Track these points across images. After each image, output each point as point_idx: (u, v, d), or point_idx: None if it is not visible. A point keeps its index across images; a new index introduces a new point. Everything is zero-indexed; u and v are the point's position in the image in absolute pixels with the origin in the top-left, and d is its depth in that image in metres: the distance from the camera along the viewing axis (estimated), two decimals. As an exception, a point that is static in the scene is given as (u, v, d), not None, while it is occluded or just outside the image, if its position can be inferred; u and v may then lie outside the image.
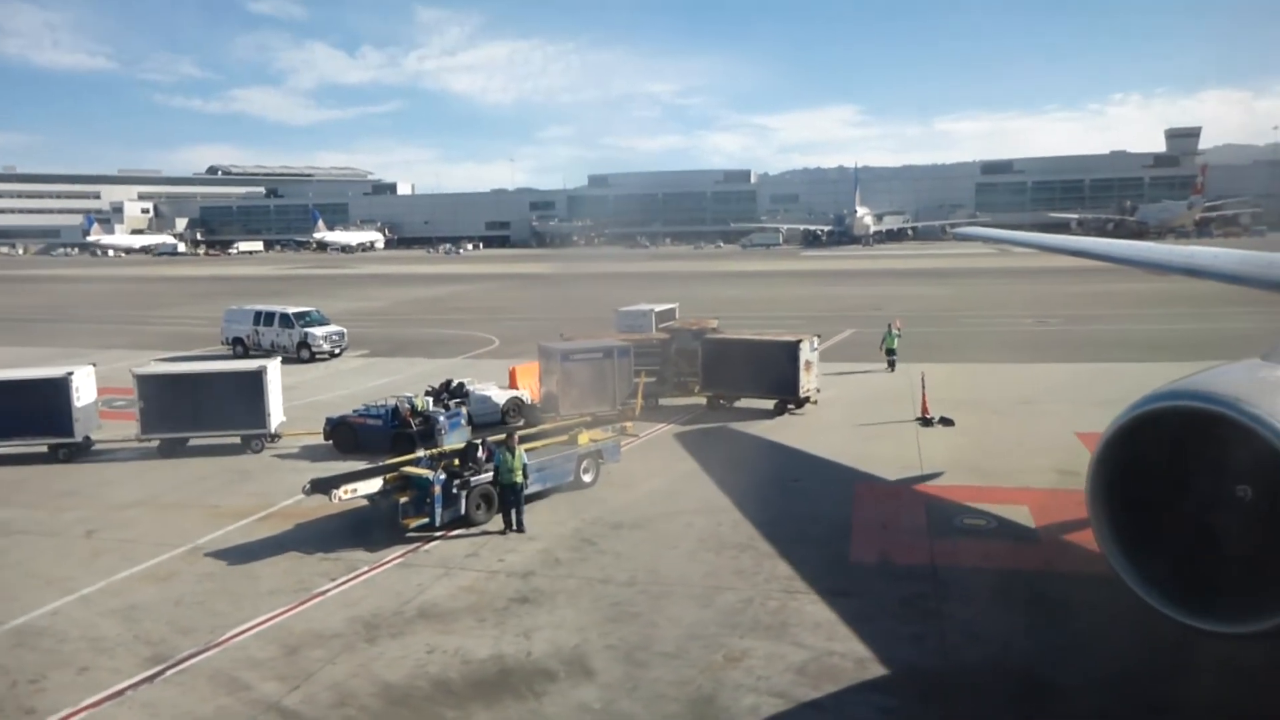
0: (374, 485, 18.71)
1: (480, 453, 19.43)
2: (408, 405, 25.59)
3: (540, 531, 18.75)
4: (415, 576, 16.63)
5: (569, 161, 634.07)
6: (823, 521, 19.08)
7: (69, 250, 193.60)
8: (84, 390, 25.77)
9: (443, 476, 18.55)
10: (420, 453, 20.40)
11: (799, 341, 28.71)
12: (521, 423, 27.23)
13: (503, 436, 19.78)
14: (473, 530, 18.88)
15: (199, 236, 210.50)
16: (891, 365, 35.63)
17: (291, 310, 44.68)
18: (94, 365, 27.25)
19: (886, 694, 12.23)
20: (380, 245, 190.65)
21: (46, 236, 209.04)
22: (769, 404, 29.39)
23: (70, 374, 25.46)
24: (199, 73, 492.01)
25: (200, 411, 25.67)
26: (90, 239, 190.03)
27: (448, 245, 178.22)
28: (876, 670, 12.80)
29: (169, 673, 13.20)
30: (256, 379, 25.74)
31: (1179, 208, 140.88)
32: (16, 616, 15.25)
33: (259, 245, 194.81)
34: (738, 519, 19.33)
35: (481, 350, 45.75)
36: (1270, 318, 21.54)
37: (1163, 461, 11.14)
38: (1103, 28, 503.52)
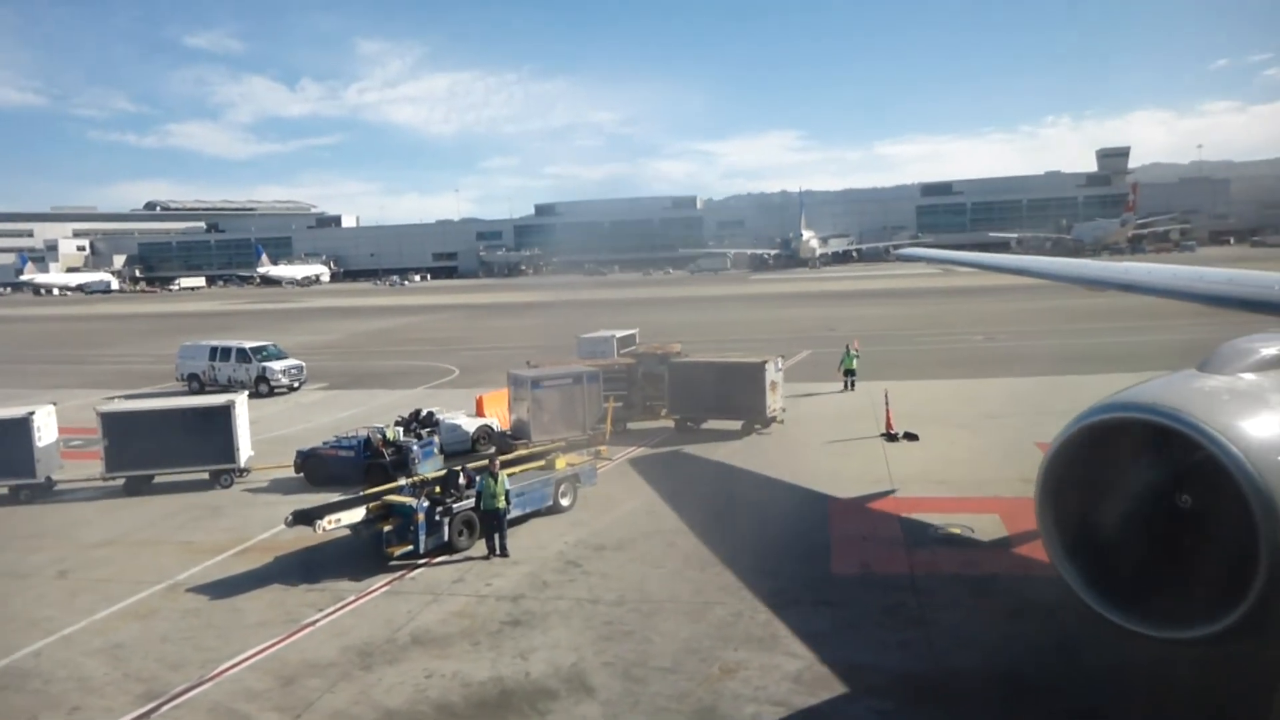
0: (357, 515, 18.71)
1: (461, 479, 19.52)
2: (379, 436, 25.55)
3: (524, 556, 18.87)
4: (404, 604, 16.65)
5: (513, 191, 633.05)
6: (801, 537, 19.48)
7: (9, 289, 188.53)
8: (45, 430, 25.36)
9: (426, 504, 18.61)
10: (402, 481, 20.39)
11: (764, 363, 29.22)
12: (493, 450, 27.38)
13: (483, 463, 19.88)
14: (456, 557, 18.94)
15: (137, 273, 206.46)
16: (851, 385, 36.22)
17: (249, 345, 44.21)
18: (54, 404, 26.74)
19: (882, 698, 12.59)
20: (326, 279, 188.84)
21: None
22: (736, 425, 29.82)
23: (31, 414, 25.03)
24: (134, 107, 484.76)
25: (167, 448, 25.35)
26: (24, 278, 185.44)
27: (394, 277, 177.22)
28: (869, 676, 13.16)
29: (165, 708, 13.11)
30: (225, 413, 25.53)
31: (1113, 225, 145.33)
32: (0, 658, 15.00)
33: (201, 281, 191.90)
34: (718, 537, 19.63)
35: (441, 380, 45.63)
36: (1203, 329, 22.40)
37: (1107, 471, 11.34)
38: (1034, 52, 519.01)
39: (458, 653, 14.51)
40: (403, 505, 18.71)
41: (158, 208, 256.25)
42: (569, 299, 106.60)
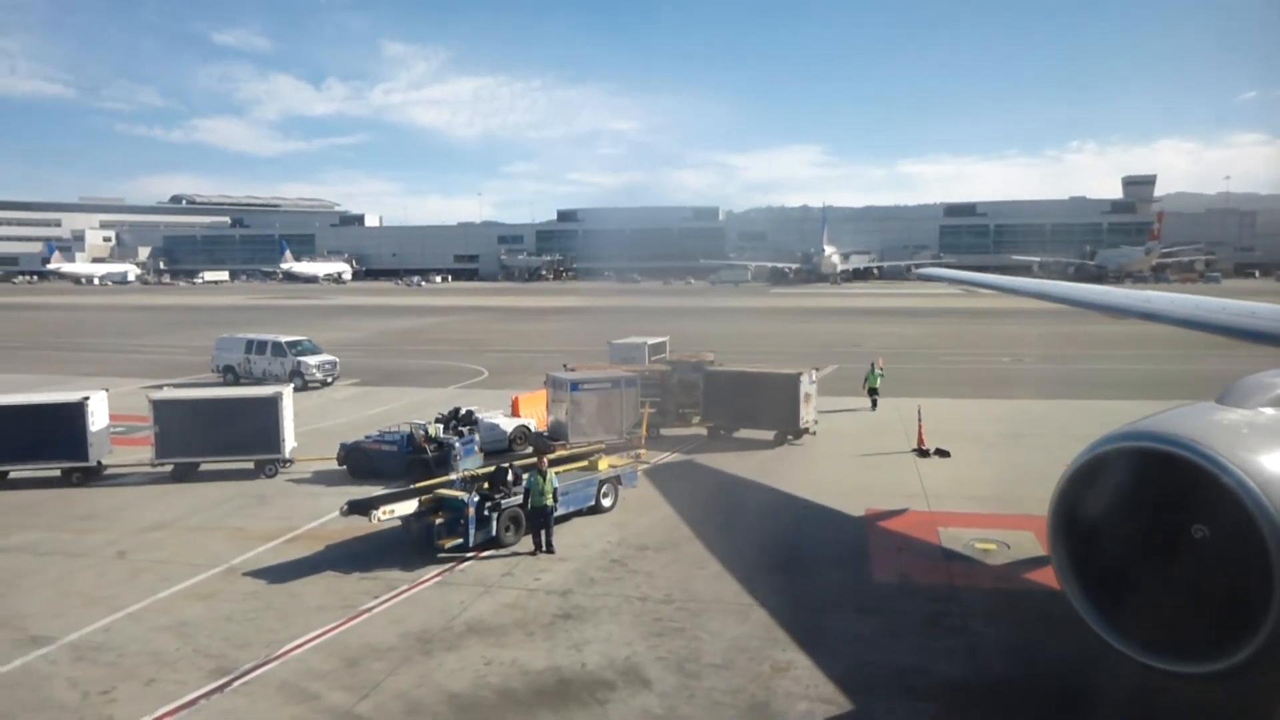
0: (410, 507, 19.23)
1: (509, 476, 20.03)
2: (422, 432, 26.07)
3: (569, 553, 19.36)
4: (456, 594, 17.15)
5: (535, 196, 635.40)
6: (839, 545, 19.93)
7: (35, 278, 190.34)
8: (98, 415, 26.00)
9: (476, 499, 19.12)
10: (453, 476, 20.92)
11: (799, 374, 29.66)
12: (530, 449, 28.00)
13: (531, 460, 20.39)
14: (503, 551, 19.44)
15: (162, 265, 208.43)
16: (874, 404, 36.26)
17: (284, 339, 44.94)
18: (106, 390, 27.41)
19: (928, 701, 13.01)
20: (348, 277, 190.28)
21: (4, 264, 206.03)
22: (767, 435, 30.25)
23: (86, 399, 25.68)
24: (161, 102, 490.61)
25: (215, 436, 25.96)
26: (50, 267, 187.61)
27: (416, 278, 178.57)
28: (915, 680, 13.58)
29: (236, 684, 13.62)
30: (273, 405, 26.13)
31: (1137, 253, 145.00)
32: (69, 633, 15.55)
33: (224, 275, 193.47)
34: (757, 542, 20.14)
35: (472, 381, 46.23)
36: (1224, 361, 22.67)
37: (1121, 501, 11.31)
38: (1060, 76, 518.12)
39: (513, 642, 14.99)
40: (454, 499, 19.23)
41: (183, 201, 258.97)
42: (589, 305, 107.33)
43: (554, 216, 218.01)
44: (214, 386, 37.75)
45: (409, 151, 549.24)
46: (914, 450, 28.47)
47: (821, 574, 18.07)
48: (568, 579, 17.91)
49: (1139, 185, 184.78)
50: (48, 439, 25.37)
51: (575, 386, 27.90)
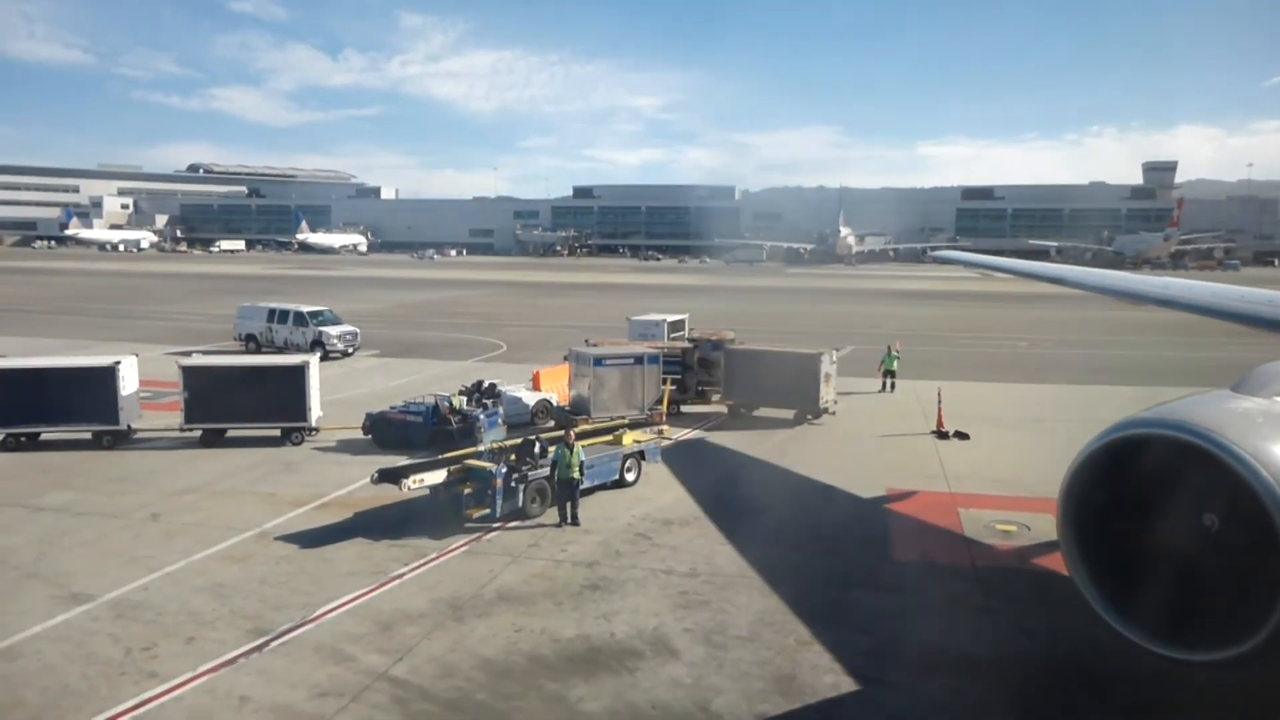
0: (439, 476, 19.52)
1: (536, 448, 20.30)
2: (447, 403, 26.36)
3: (594, 526, 19.65)
4: (485, 563, 17.46)
5: (550, 171, 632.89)
6: (860, 524, 20.19)
7: (53, 243, 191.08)
8: (129, 380, 26.36)
9: (504, 470, 19.40)
10: (481, 447, 21.20)
11: (820, 354, 29.82)
12: (551, 423, 28.28)
13: (557, 433, 20.65)
14: (528, 523, 19.74)
15: (179, 233, 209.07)
16: (891, 386, 36.26)
17: (306, 309, 45.27)
18: (136, 355, 27.76)
19: (952, 676, 13.26)
20: (363, 248, 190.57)
21: (21, 229, 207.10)
22: (787, 414, 30.46)
23: (118, 363, 26.04)
24: (178, 70, 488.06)
25: (243, 403, 26.34)
26: (69, 232, 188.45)
27: (430, 251, 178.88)
28: (938, 657, 13.83)
29: (274, 644, 13.98)
30: (300, 373, 26.45)
31: (1155, 239, 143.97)
32: (109, 591, 15.94)
33: (240, 244, 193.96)
34: (780, 518, 20.45)
35: (491, 354, 46.52)
36: (1242, 349, 22.69)
37: (1131, 488, 11.27)
38: (1081, 60, 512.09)
39: (542, 611, 15.30)
40: (482, 470, 19.51)
41: (200, 170, 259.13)
42: (605, 282, 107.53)
43: (569, 193, 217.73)
44: (238, 355, 38.10)
45: (425, 124, 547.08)
46: (933, 432, 28.63)
47: (843, 552, 18.33)
48: (593, 551, 18.20)
49: (1160, 171, 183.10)
50: (79, 402, 25.76)
51: (598, 362, 28.13)
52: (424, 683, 12.81)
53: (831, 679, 13.02)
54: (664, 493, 22.14)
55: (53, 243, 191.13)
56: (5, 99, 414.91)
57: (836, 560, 17.85)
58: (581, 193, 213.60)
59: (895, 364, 36.54)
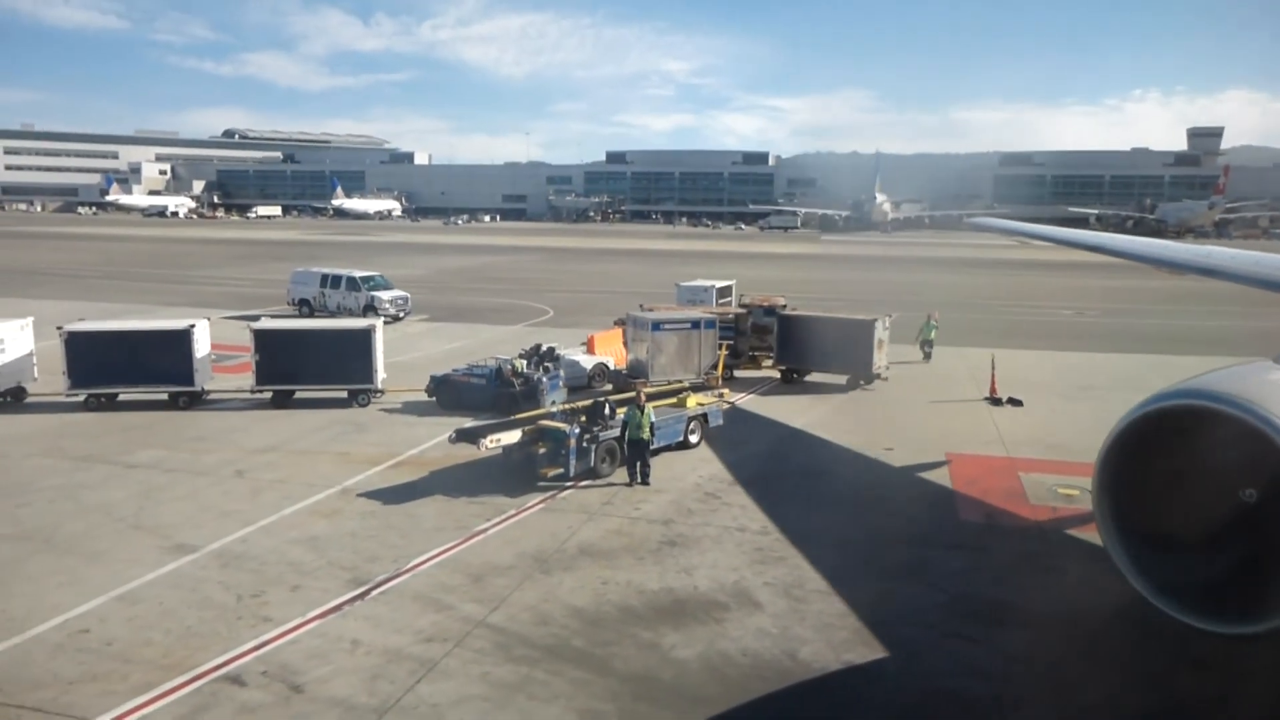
0: (514, 436, 20.15)
1: (607, 410, 20.87)
2: (509, 366, 26.97)
3: (663, 485, 20.22)
4: (562, 520, 18.10)
5: (580, 137, 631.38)
6: (924, 486, 20.64)
7: (97, 210, 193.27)
8: (202, 342, 27.17)
9: (577, 430, 19.99)
10: (554, 408, 21.80)
11: (874, 320, 30.13)
12: (609, 386, 28.88)
13: (626, 395, 21.19)
14: (599, 482, 20.35)
15: (216, 199, 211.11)
16: (927, 356, 35.64)
17: (358, 274, 46.06)
18: (208, 319, 28.57)
19: (1026, 630, 13.76)
20: (398, 214, 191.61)
21: (63, 195, 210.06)
22: (837, 379, 30.86)
23: (193, 326, 26.84)
24: (211, 35, 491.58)
25: (313, 366, 27.09)
26: (109, 198, 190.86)
27: (465, 216, 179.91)
28: (1013, 612, 14.33)
29: (374, 593, 14.69)
30: (367, 337, 27.14)
31: (1200, 207, 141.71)
32: (210, 542, 16.73)
33: (277, 210, 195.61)
34: (843, 480, 21.01)
35: (539, 320, 47.11)
36: None
37: (1169, 459, 11.24)
38: (1123, 22, 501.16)
39: (625, 565, 15.92)
40: (556, 430, 20.12)
41: (236, 135, 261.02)
42: (641, 248, 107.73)
43: (600, 158, 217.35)
44: (303, 319, 38.97)
45: (456, 89, 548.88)
46: (986, 398, 28.92)
47: (909, 513, 18.82)
48: (666, 509, 18.79)
49: (1205, 137, 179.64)
50: (157, 364, 26.60)
51: (657, 326, 28.63)
52: (522, 630, 13.48)
53: (910, 631, 13.55)
54: (727, 454, 22.67)
55: (96, 209, 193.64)
56: (43, 65, 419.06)
57: (903, 521, 18.34)
58: (615, 158, 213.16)
59: (934, 334, 36.16)
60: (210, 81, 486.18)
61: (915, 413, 27.48)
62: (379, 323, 28.15)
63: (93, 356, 26.41)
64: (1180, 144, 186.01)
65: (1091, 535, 17.61)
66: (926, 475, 21.36)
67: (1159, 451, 11.23)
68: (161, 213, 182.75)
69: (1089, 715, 11.68)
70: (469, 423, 22.66)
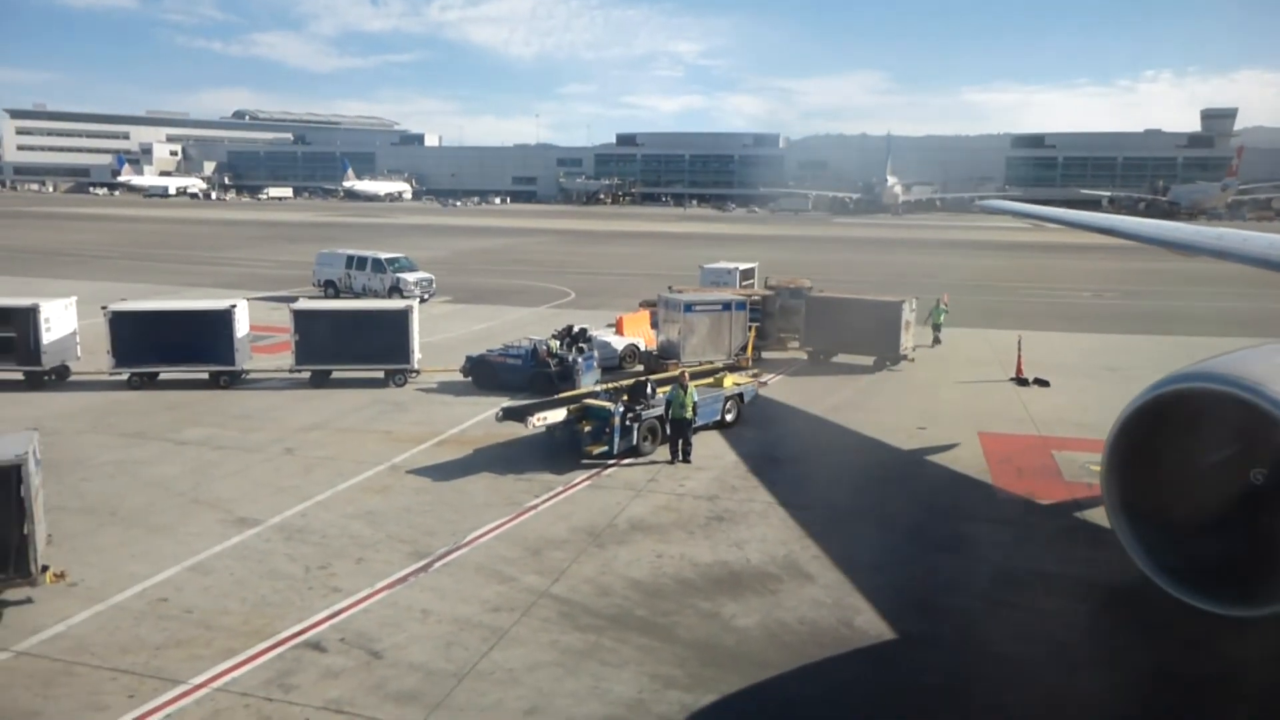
0: (559, 415, 20.58)
1: (649, 389, 21.29)
2: (545, 347, 27.38)
3: (704, 463, 20.65)
4: (610, 497, 18.54)
5: (589, 118, 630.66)
6: (959, 463, 21.02)
7: (117, 190, 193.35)
8: (242, 323, 27.63)
9: (621, 409, 20.41)
10: (597, 387, 22.23)
11: (902, 302, 30.47)
12: (640, 367, 29.33)
13: (668, 375, 21.63)
14: (641, 460, 20.78)
15: (227, 181, 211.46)
16: (936, 340, 34.83)
17: (384, 256, 46.47)
18: (246, 300, 29.02)
19: (1071, 600, 14.19)
20: (408, 196, 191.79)
21: (75, 175, 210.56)
22: (863, 360, 31.24)
23: (234, 306, 27.29)
24: (219, 14, 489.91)
25: (351, 346, 27.53)
26: (121, 179, 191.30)
27: (476, 198, 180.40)
28: (1059, 583, 14.76)
29: (436, 565, 15.15)
30: (404, 318, 27.57)
31: (1213, 189, 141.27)
32: (271, 516, 17.19)
33: (288, 191, 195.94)
34: (880, 458, 21.42)
35: (561, 302, 47.50)
36: None
37: (1179, 442, 11.28)
38: (1135, 1, 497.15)
39: (677, 539, 16.37)
40: (601, 409, 20.55)
41: (246, 116, 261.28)
42: (655, 230, 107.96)
43: (609, 140, 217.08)
44: (338, 300, 39.51)
45: (464, 70, 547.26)
46: (1012, 379, 29.27)
47: (949, 490, 19.25)
48: (710, 486, 19.23)
49: (1218, 119, 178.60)
50: (199, 344, 27.07)
51: (689, 308, 29.00)
52: (584, 600, 13.94)
53: (962, 600, 14.03)
54: (764, 433, 23.11)
55: (115, 191, 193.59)
56: (54, 45, 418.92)
57: (944, 497, 18.79)
58: (625, 140, 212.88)
59: (943, 318, 35.61)
60: (219, 62, 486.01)
61: (943, 393, 27.86)
62: (416, 304, 28.58)
63: (136, 336, 26.87)
64: (1193, 125, 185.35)
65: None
66: (960, 453, 21.74)
67: (1168, 434, 11.32)
68: (163, 193, 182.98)
69: (1142, 679, 12.09)
70: (508, 402, 23.13)
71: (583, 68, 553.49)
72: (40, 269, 56.82)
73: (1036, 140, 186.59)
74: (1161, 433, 11.30)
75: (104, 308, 27.13)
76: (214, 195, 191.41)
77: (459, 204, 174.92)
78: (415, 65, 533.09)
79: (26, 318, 26.44)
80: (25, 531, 12.83)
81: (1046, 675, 12.01)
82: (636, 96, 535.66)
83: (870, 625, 13.21)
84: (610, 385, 22.51)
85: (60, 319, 27.23)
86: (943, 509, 18.09)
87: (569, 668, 11.97)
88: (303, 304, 28.45)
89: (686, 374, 21.49)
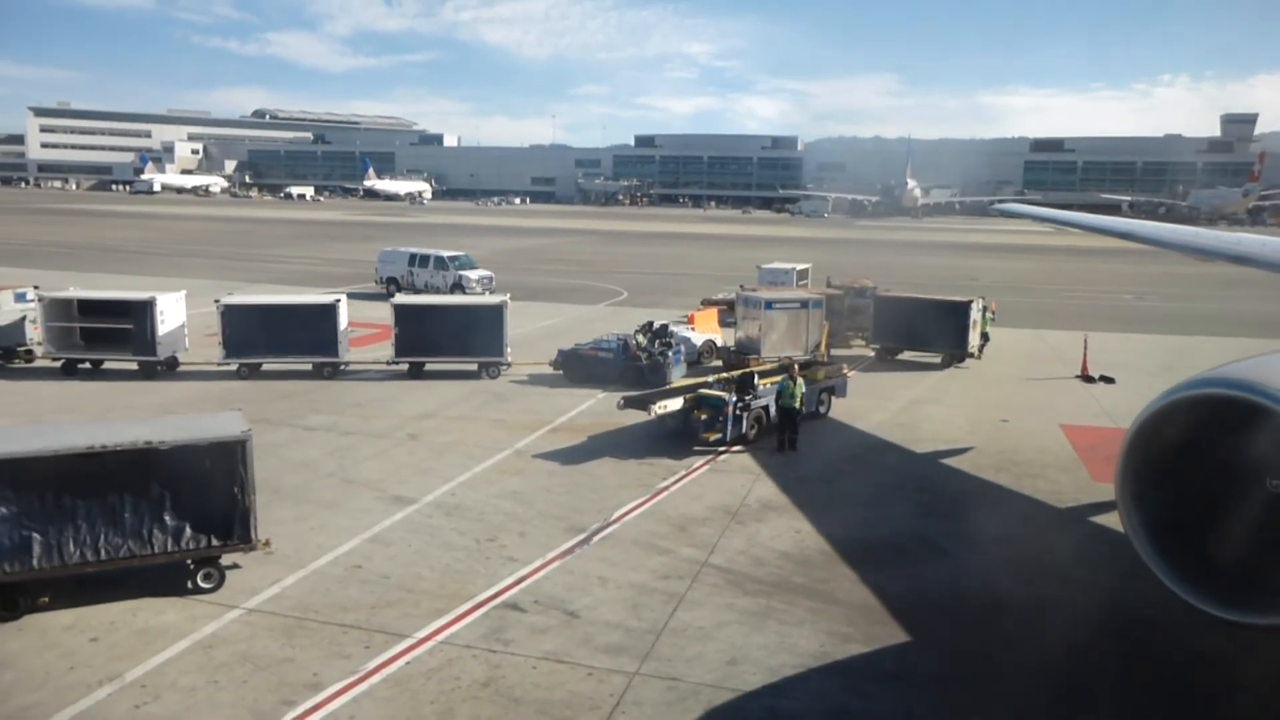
0: (677, 404, 21.82)
1: (755, 380, 22.53)
2: (635, 342, 28.61)
3: (809, 450, 21.90)
4: (733, 480, 19.78)
5: (602, 119, 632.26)
6: (1050, 453, 22.24)
7: (150, 189, 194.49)
8: (343, 316, 28.91)
9: (734, 399, 21.65)
10: (710, 378, 23.50)
11: (969, 302, 31.68)
12: (719, 362, 30.60)
13: (787, 366, 23.09)
14: (749, 447, 21.99)
15: (247, 179, 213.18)
16: (981, 349, 33.21)
17: (446, 254, 47.82)
18: (345, 294, 30.30)
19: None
20: (429, 196, 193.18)
21: (97, 173, 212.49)
22: (929, 357, 32.45)
23: (338, 300, 28.59)
24: (235, 14, 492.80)
25: (446, 339, 28.79)
26: (145, 177, 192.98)
27: (496, 199, 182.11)
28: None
29: (595, 539, 16.38)
30: (498, 313, 28.83)
31: (1234, 195, 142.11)
32: (424, 495, 18.45)
33: (310, 190, 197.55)
34: (972, 448, 22.58)
35: (616, 300, 48.75)
36: None
37: (1195, 447, 11.21)
38: (1151, 4, 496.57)
39: (808, 517, 17.59)
40: (715, 398, 21.79)
41: (266, 116, 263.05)
42: (682, 231, 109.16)
43: (623, 141, 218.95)
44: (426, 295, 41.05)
45: (477, 71, 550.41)
46: (1078, 376, 30.44)
47: (1047, 476, 20.44)
48: (822, 470, 20.48)
49: (1239, 124, 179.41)
50: (304, 336, 28.37)
51: (769, 305, 30.25)
52: (743, 569, 15.19)
53: (1085, 572, 15.27)
54: (858, 422, 24.37)
55: (127, 188, 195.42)
56: (77, 44, 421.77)
57: (1043, 482, 19.99)
58: (643, 142, 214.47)
59: (990, 325, 34.45)
60: (234, 61, 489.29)
61: (1015, 388, 29.09)
62: (508, 298, 29.82)
63: (245, 328, 28.19)
64: (1211, 130, 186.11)
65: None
66: (1048, 443, 22.94)
67: (1183, 439, 11.25)
68: (205, 191, 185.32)
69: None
70: (600, 394, 24.41)
71: (596, 69, 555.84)
72: (101, 265, 58.18)
73: (1055, 144, 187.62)
74: (1177, 438, 11.27)
75: (216, 301, 28.43)
76: (236, 193, 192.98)
77: (498, 203, 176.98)
78: (429, 65, 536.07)
79: (144, 310, 27.75)
80: (247, 502, 14.09)
81: (1181, 633, 13.18)
82: (650, 97, 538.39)
83: (1010, 593, 14.45)
84: (722, 377, 23.76)
85: (172, 311, 28.53)
86: (1046, 492, 19.33)
87: (752, 626, 13.21)
88: (401, 299, 29.72)
89: (797, 367, 22.75)
